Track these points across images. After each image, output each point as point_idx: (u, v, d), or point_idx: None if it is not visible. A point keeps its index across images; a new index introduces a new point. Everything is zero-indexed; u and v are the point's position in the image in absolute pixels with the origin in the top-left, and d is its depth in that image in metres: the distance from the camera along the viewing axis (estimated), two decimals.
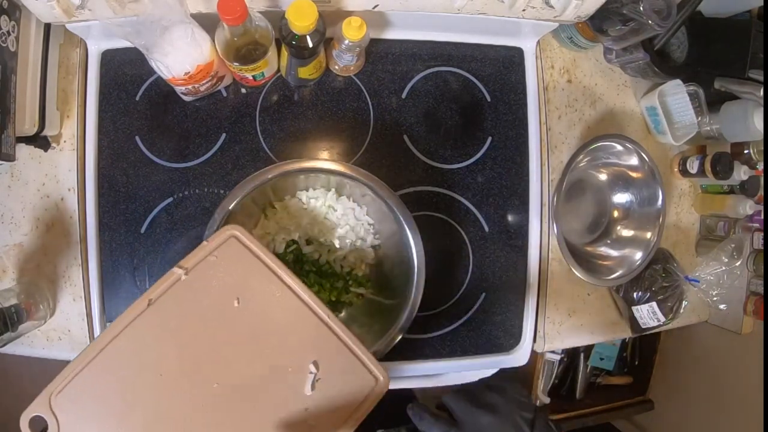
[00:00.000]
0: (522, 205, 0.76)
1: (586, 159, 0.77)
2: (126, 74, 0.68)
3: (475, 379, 0.76)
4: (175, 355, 0.48)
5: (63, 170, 0.68)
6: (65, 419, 0.45)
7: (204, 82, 0.62)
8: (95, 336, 0.67)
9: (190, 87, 0.62)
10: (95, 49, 0.68)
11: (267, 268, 0.52)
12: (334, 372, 0.50)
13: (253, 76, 0.66)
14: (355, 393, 0.49)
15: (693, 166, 0.81)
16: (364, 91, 0.73)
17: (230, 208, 0.57)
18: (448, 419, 0.47)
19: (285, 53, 0.63)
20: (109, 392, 0.46)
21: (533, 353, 0.77)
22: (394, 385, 0.58)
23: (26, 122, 0.61)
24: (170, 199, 0.69)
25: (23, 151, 0.67)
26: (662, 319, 0.77)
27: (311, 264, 0.65)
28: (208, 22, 0.57)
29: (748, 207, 0.80)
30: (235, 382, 0.48)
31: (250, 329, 0.50)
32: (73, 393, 0.46)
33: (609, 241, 0.81)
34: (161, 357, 0.48)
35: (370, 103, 0.73)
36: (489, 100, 0.76)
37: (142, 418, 0.46)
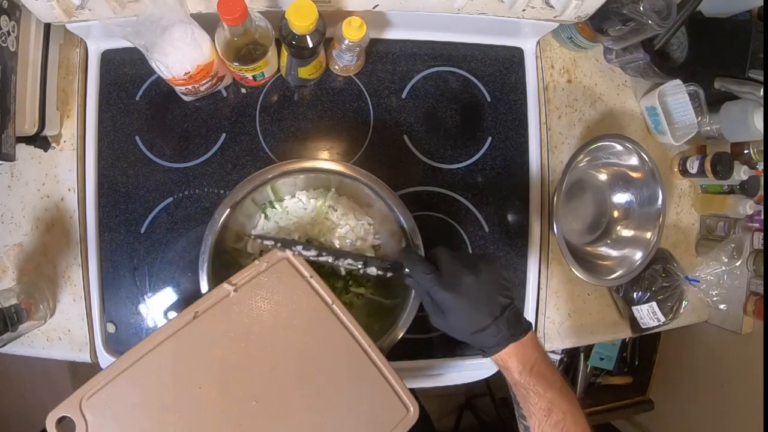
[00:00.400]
0: (522, 205, 0.76)
1: (586, 159, 0.77)
2: (126, 74, 0.68)
3: (476, 379, 0.75)
4: (216, 368, 0.48)
5: (63, 170, 0.68)
6: (95, 424, 0.44)
7: (204, 82, 0.62)
8: (95, 336, 0.67)
9: (190, 87, 0.62)
10: (95, 49, 0.68)
11: (314, 293, 0.52)
12: (369, 399, 0.50)
13: (253, 76, 0.66)
14: (385, 421, 0.50)
15: (693, 166, 0.81)
16: (364, 91, 0.73)
17: (230, 208, 0.58)
18: (432, 266, 0.49)
19: (285, 53, 0.63)
20: (145, 400, 0.46)
21: None
22: None
23: (26, 122, 0.61)
24: (170, 199, 0.69)
25: (23, 151, 0.67)
26: (662, 319, 0.77)
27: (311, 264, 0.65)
28: (208, 22, 0.57)
29: (748, 207, 0.80)
30: (273, 400, 0.48)
31: (292, 351, 0.50)
32: (106, 398, 0.45)
33: (609, 241, 0.81)
34: (202, 369, 0.48)
35: (370, 103, 0.73)
36: (489, 100, 0.76)
37: (177, 429, 0.46)
